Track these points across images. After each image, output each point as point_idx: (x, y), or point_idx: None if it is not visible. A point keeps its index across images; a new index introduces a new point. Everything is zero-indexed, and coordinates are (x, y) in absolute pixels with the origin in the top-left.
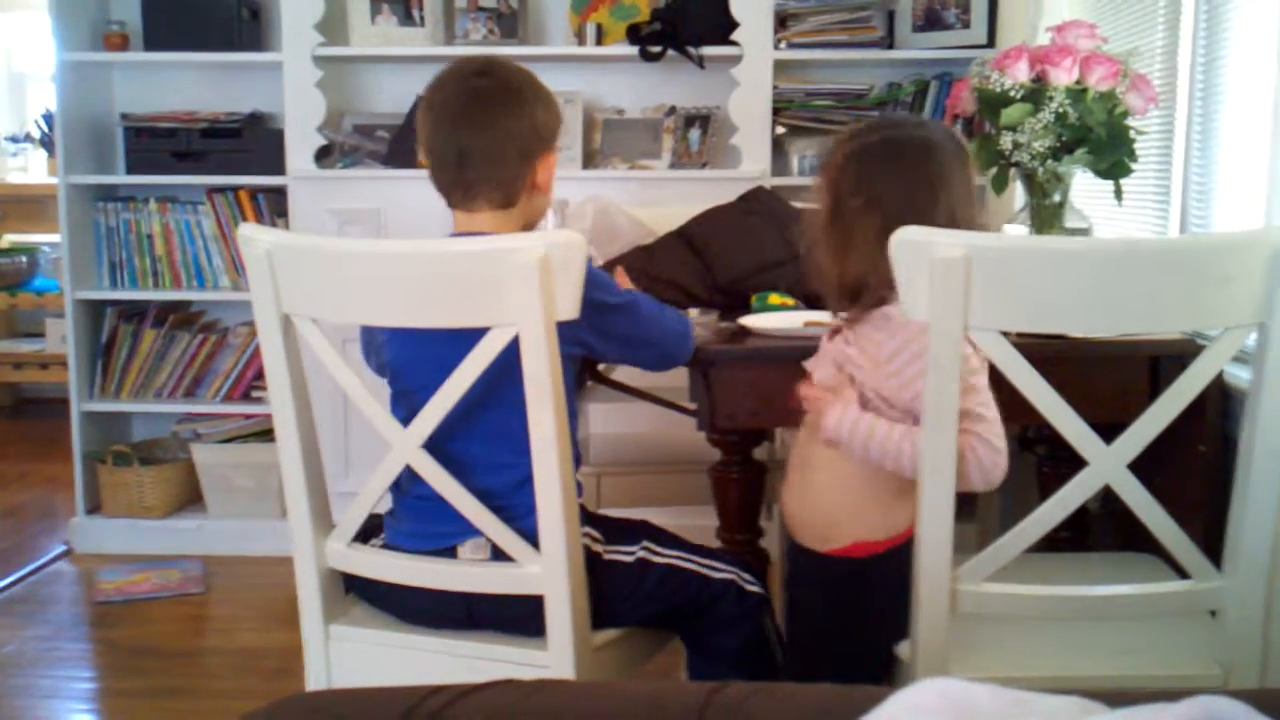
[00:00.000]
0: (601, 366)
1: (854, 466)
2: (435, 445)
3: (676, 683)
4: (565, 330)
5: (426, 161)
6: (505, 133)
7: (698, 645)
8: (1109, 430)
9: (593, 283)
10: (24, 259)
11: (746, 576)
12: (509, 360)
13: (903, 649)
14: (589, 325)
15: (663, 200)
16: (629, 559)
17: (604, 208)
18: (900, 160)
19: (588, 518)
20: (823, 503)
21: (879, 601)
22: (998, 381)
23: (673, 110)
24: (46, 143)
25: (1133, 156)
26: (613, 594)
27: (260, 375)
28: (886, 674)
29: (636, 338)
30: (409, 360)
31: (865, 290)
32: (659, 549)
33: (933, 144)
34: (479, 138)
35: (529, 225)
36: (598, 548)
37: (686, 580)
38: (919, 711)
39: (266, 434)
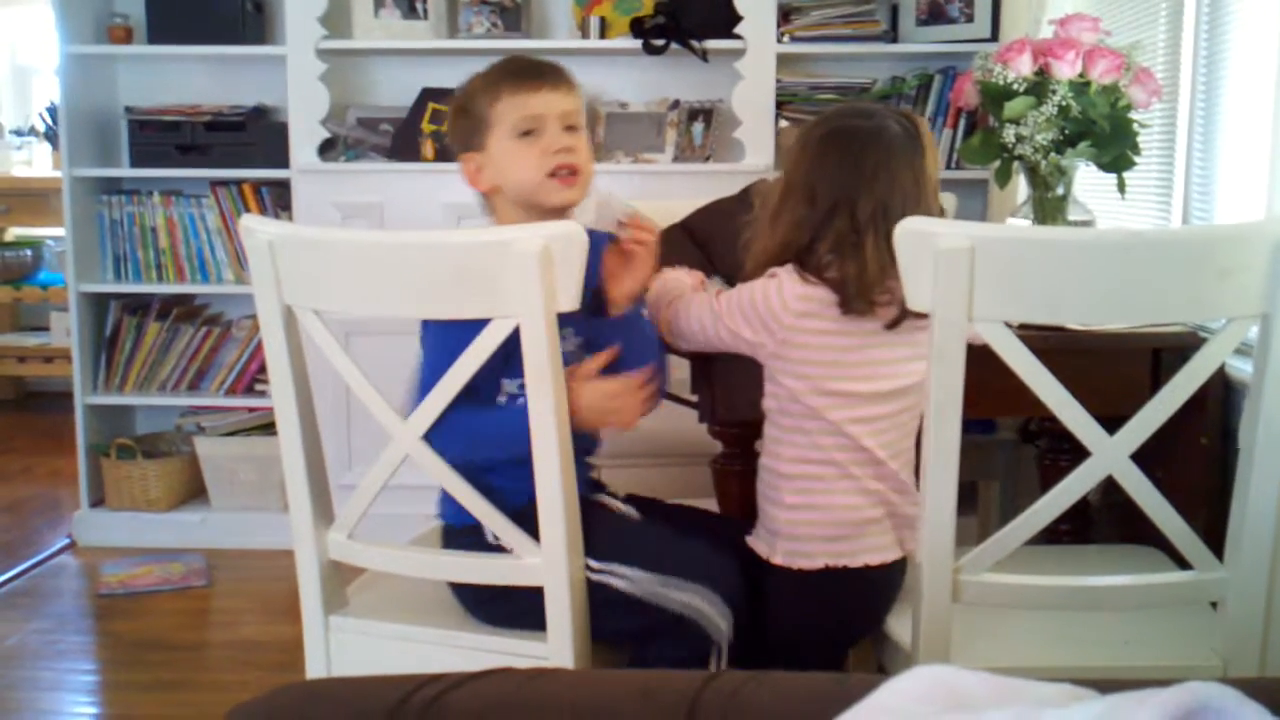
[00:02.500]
0: None
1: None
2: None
3: (670, 672)
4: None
5: None
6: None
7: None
8: (1109, 423)
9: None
10: (28, 252)
11: (711, 611)
12: None
13: (903, 637)
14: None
15: (666, 193)
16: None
17: (606, 201)
18: (833, 150)
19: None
20: None
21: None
22: (1001, 372)
23: (676, 104)
24: (50, 136)
25: (1135, 149)
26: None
27: (263, 368)
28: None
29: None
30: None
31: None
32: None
33: (870, 135)
34: None
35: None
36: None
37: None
38: (911, 698)
39: (270, 427)
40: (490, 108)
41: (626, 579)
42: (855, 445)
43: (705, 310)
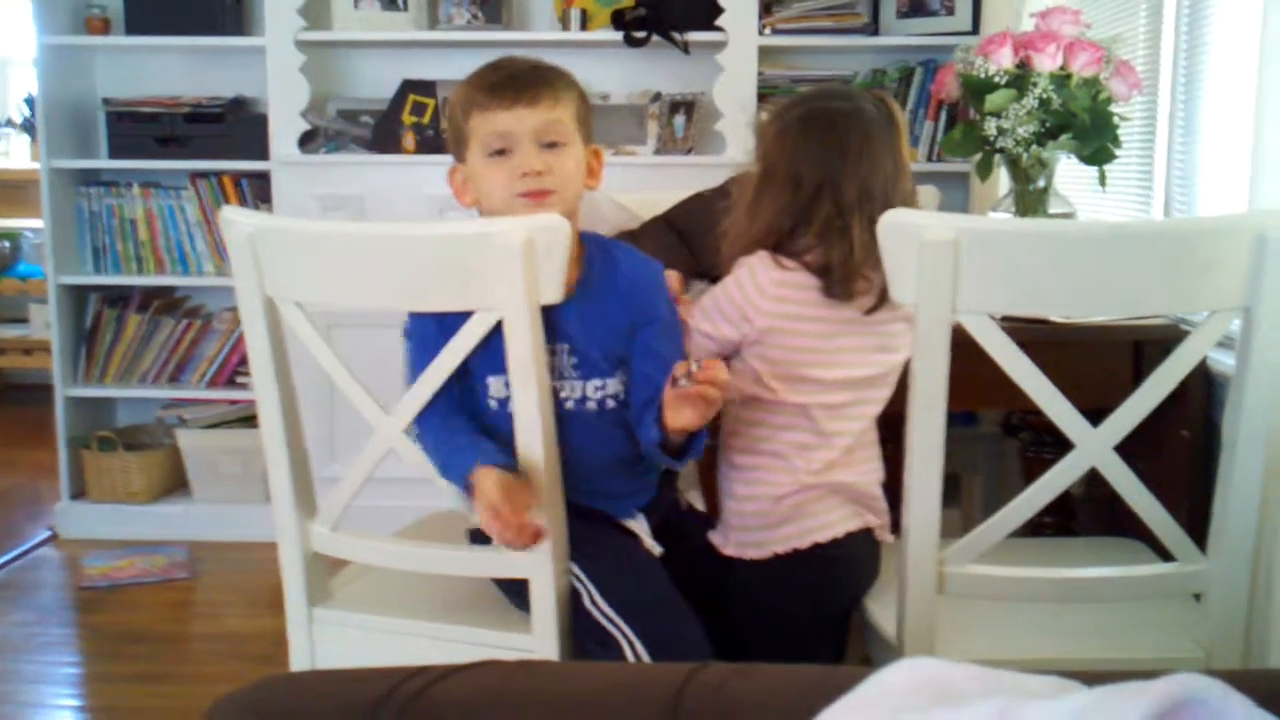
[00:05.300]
0: None
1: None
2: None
3: (656, 665)
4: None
5: None
6: None
7: None
8: (1091, 416)
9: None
10: (7, 244)
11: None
12: None
13: (889, 629)
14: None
15: (647, 186)
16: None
17: (587, 193)
18: (815, 133)
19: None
20: None
21: None
22: (983, 365)
23: (657, 96)
24: (28, 127)
25: (1116, 142)
26: None
27: (244, 361)
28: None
29: None
30: None
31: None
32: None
33: (850, 117)
34: None
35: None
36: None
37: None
38: (897, 690)
39: (251, 419)
40: (466, 121)
41: (592, 601)
42: (813, 429)
43: (693, 336)
